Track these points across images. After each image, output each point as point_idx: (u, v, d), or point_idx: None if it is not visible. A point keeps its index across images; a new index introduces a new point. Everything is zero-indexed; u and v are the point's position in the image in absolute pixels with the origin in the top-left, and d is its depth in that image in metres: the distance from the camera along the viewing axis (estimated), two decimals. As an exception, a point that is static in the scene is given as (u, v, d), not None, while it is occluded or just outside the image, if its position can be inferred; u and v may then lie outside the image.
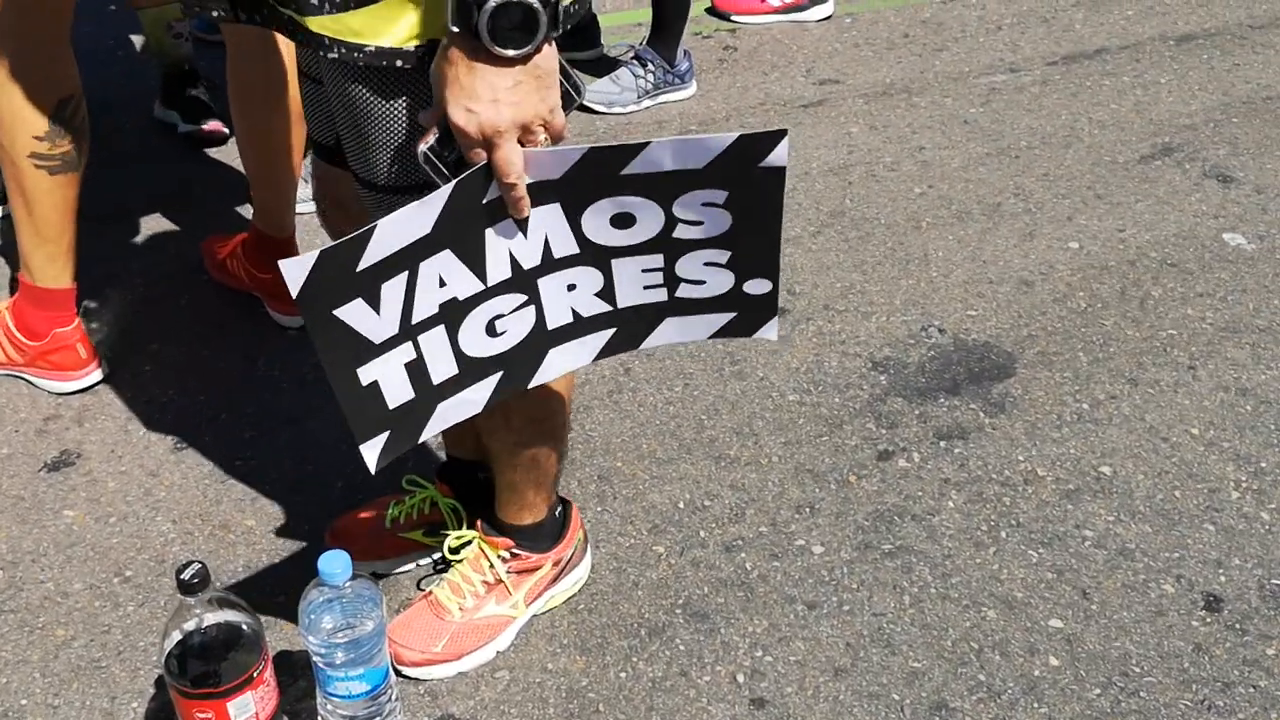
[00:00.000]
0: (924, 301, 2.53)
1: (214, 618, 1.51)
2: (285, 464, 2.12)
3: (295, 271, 1.20)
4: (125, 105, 3.26)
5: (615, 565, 1.92)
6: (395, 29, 1.23)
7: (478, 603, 1.76)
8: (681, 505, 2.04)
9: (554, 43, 1.20)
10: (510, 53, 1.15)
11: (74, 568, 1.91)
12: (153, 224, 2.78)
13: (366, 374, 1.30)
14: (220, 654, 1.51)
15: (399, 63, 1.25)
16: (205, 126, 3.05)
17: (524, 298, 1.37)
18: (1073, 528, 1.98)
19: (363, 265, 1.23)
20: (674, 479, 2.09)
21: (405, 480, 1.91)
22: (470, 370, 1.39)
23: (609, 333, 1.45)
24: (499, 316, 1.36)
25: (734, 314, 1.44)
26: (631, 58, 3.35)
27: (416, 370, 1.34)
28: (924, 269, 2.63)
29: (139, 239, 2.73)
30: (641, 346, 1.48)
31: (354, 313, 1.26)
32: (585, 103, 3.28)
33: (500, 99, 1.17)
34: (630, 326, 1.45)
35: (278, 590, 1.87)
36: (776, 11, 3.77)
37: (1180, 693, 1.71)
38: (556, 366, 1.45)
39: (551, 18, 1.15)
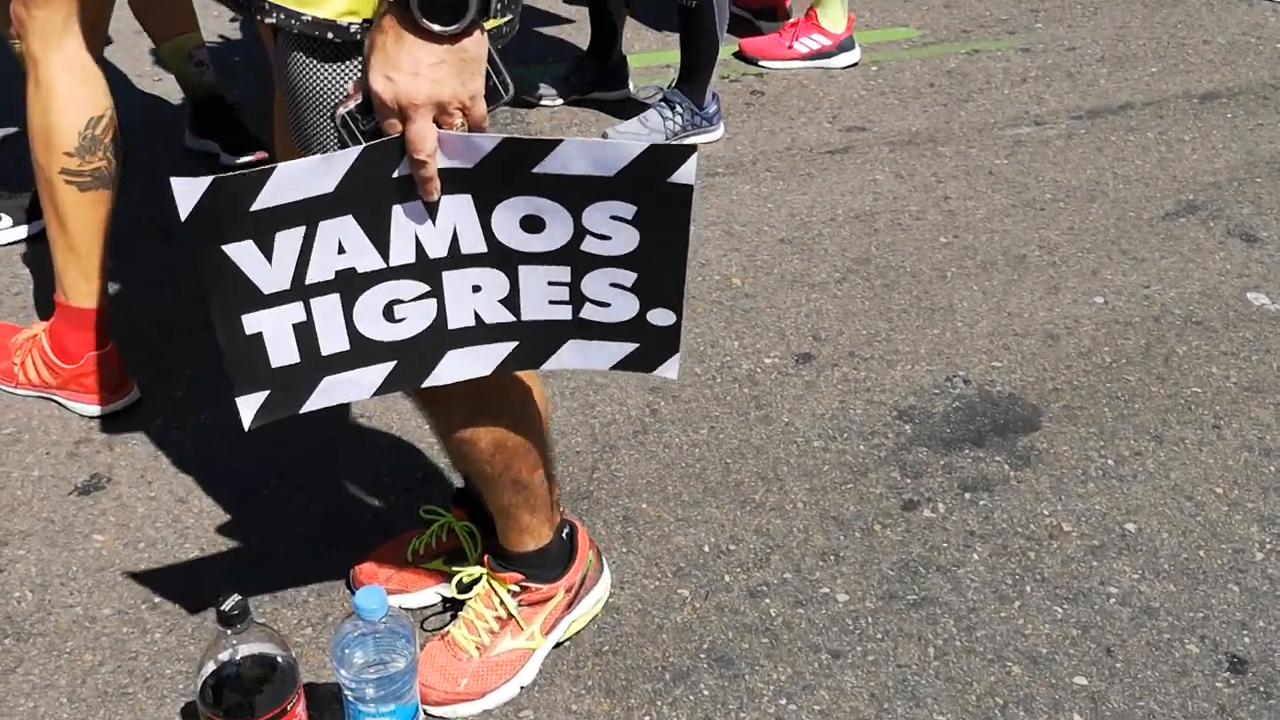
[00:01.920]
0: (949, 351, 2.55)
1: (249, 649, 1.51)
2: (315, 493, 2.13)
3: (185, 194, 1.20)
4: (161, 130, 3.30)
5: (640, 608, 1.92)
6: (333, 1, 1.26)
7: (493, 639, 1.76)
8: (706, 549, 2.04)
9: (485, 32, 1.22)
10: (437, 28, 1.18)
11: (103, 592, 1.92)
12: (184, 248, 2.80)
13: (251, 323, 1.32)
14: (255, 685, 1.51)
15: (329, 35, 1.27)
16: (248, 159, 3.06)
17: (426, 288, 1.37)
18: (1097, 584, 1.99)
19: (257, 206, 1.24)
20: (699, 522, 2.10)
21: (423, 510, 1.91)
22: (362, 351, 1.40)
23: (510, 345, 1.45)
24: (399, 302, 1.37)
25: (636, 345, 1.44)
26: (660, 100, 3.38)
27: (305, 334, 1.35)
28: (949, 319, 2.65)
29: (171, 262, 2.75)
30: (542, 367, 1.49)
31: (244, 254, 1.27)
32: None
33: (421, 73, 1.20)
34: (532, 342, 1.45)
35: (304, 622, 1.88)
36: (803, 58, 3.80)
37: (1204, 754, 1.72)
38: (452, 370, 1.45)
39: (482, 2, 1.18)
